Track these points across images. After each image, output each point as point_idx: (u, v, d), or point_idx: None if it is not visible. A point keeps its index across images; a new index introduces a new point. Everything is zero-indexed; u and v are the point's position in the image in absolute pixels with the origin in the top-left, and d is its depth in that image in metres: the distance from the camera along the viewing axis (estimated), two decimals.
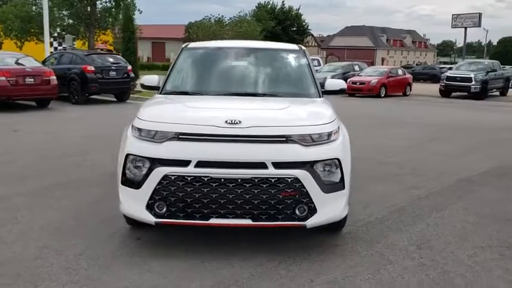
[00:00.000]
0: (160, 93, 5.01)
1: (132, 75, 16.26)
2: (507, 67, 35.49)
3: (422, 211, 5.25)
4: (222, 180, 3.71)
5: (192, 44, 5.60)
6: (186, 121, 3.91)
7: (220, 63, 5.33)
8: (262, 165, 3.72)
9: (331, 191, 3.88)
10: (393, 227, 4.75)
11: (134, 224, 4.44)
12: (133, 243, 4.24)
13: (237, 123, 3.82)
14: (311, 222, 3.81)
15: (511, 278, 3.71)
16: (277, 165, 3.72)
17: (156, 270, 3.70)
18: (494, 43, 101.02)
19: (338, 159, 3.92)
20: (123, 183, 4.01)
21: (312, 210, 3.81)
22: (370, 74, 24.17)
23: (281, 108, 4.31)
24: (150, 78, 5.24)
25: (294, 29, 64.79)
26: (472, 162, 7.99)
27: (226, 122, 3.83)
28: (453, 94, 24.35)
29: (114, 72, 15.35)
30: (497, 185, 6.53)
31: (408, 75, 26.15)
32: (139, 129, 4.00)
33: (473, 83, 23.26)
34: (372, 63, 60.94)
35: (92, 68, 14.78)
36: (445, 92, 24.41)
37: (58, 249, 4.07)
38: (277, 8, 64.02)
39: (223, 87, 4.97)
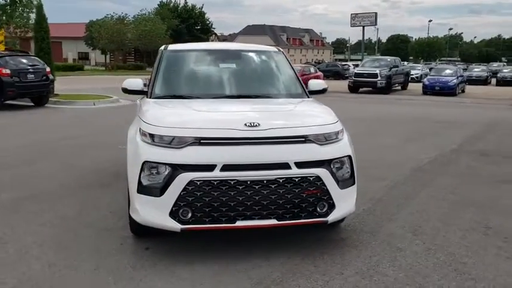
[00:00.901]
0: (149, 98, 4.87)
1: (51, 77, 15.33)
2: (405, 63, 38.32)
3: (400, 201, 5.65)
4: (248, 182, 3.76)
5: (172, 47, 5.50)
6: (205, 126, 3.90)
7: (208, 65, 5.32)
8: (285, 166, 3.83)
9: (346, 187, 4.08)
10: (383, 217, 5.07)
11: (139, 233, 4.34)
12: (146, 253, 4.12)
13: (256, 125, 3.89)
14: (332, 217, 3.99)
15: (506, 254, 4.17)
16: (300, 165, 3.85)
17: (188, 277, 3.66)
18: (383, 40, 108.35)
19: (349, 156, 4.14)
20: (140, 191, 3.88)
21: (331, 206, 3.99)
22: None
23: (289, 109, 4.44)
24: (134, 82, 5.08)
25: (198, 27, 64.63)
26: (415, 152, 8.69)
27: (245, 124, 3.88)
28: (360, 90, 25.88)
29: (33, 75, 14.33)
30: (447, 172, 7.18)
31: (319, 73, 27.35)
32: (152, 135, 3.90)
33: (379, 78, 24.93)
34: None
35: (8, 71, 13.67)
36: (354, 88, 25.88)
37: (69, 265, 3.85)
38: (180, 6, 63.45)
39: (218, 90, 4.98)
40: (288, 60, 5.55)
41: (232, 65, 5.31)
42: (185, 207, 3.75)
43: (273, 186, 3.80)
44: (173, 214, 3.77)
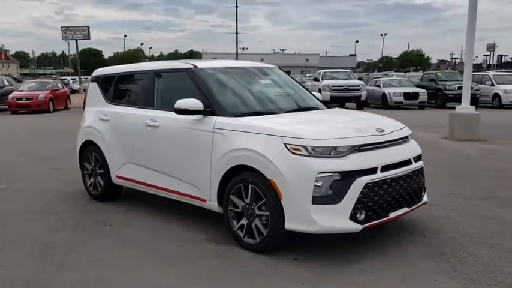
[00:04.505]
0: (223, 116, 4.72)
1: None
2: None
3: None
4: (396, 178, 4.43)
5: (201, 65, 5.23)
6: (357, 134, 4.36)
7: (253, 82, 5.43)
8: (410, 162, 4.64)
9: None
10: None
11: (284, 243, 4.43)
12: (305, 263, 4.21)
13: (383, 130, 4.57)
14: (425, 199, 5.00)
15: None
16: (415, 159, 4.73)
17: (377, 268, 4.10)
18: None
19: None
20: (315, 202, 4.05)
21: (425, 190, 4.99)
22: (35, 89, 22.73)
23: (369, 116, 5.20)
24: (194, 103, 4.76)
25: None
26: None
27: (376, 130, 4.52)
28: None
29: None
30: None
31: (66, 88, 25.81)
32: (311, 148, 4.11)
33: None
34: None
35: None
36: None
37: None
38: None
39: (286, 105, 5.31)
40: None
41: (268, 81, 5.58)
42: (361, 208, 4.15)
43: (408, 179, 4.55)
44: (351, 217, 4.12)
